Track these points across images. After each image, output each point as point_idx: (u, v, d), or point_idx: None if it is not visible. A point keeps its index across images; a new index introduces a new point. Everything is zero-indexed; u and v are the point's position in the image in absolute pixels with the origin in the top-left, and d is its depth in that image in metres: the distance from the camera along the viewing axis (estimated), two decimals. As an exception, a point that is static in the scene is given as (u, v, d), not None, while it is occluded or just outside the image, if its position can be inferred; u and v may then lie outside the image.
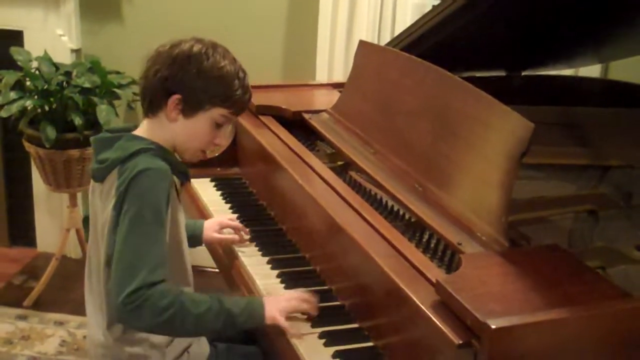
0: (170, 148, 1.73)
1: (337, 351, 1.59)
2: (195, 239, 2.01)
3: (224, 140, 1.79)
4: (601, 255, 1.71)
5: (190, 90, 1.69)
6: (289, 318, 1.66)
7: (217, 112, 1.72)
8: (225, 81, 1.71)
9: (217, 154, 2.48)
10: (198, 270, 1.83)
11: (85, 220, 1.89)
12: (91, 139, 1.79)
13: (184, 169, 1.76)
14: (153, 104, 1.71)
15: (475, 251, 1.58)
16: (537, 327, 1.29)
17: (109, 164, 1.66)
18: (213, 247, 2.11)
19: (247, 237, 2.05)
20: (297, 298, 1.70)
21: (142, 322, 1.57)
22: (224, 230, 2.06)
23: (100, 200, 1.70)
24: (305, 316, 1.69)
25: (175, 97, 1.68)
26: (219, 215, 2.19)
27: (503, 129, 1.67)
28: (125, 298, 1.53)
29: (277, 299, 1.70)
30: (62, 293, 3.37)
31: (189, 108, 1.70)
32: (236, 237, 2.04)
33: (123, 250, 1.57)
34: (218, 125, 1.74)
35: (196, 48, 1.70)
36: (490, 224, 1.62)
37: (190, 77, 1.68)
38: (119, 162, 1.65)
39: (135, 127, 1.76)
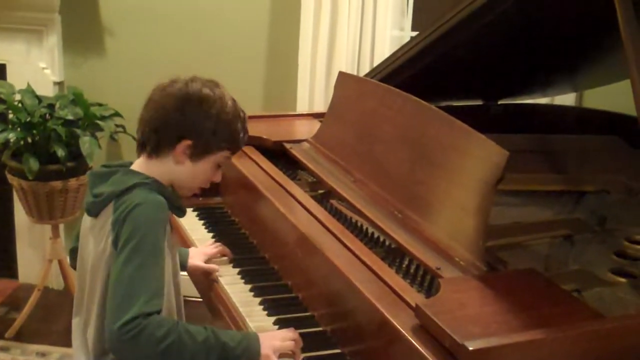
0: (167, 184, 1.73)
1: (319, 376, 1.62)
2: (180, 267, 2.02)
3: (220, 177, 1.80)
4: (577, 279, 1.74)
5: (200, 136, 1.69)
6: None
7: (222, 155, 1.75)
8: (232, 125, 1.73)
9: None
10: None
11: (72, 251, 1.88)
12: (87, 173, 1.79)
13: (179, 204, 1.76)
14: (160, 146, 1.70)
15: (454, 275, 1.62)
16: (514, 348, 1.32)
17: (105, 198, 1.66)
18: (196, 275, 2.13)
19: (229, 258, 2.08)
20: (292, 339, 1.69)
21: (138, 351, 1.53)
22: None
23: (93, 235, 1.70)
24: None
25: (185, 143, 1.69)
26: (201, 244, 2.21)
27: (478, 156, 1.71)
28: (122, 327, 1.50)
29: (273, 336, 1.69)
30: (44, 324, 3.36)
31: (198, 153, 1.71)
32: (220, 266, 2.06)
33: (119, 280, 1.56)
34: (219, 166, 1.77)
35: (205, 91, 1.70)
36: (468, 249, 1.66)
37: (200, 122, 1.68)
38: (115, 196, 1.65)
39: (131, 163, 1.76)
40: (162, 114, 1.69)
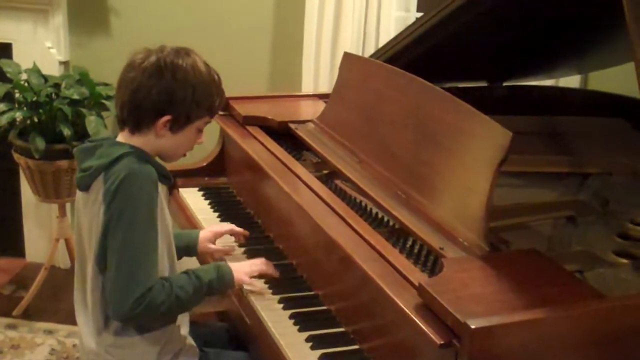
0: (153, 154, 1.75)
1: (323, 354, 1.63)
2: (190, 250, 2.03)
3: (203, 138, 1.81)
4: (579, 259, 1.76)
5: (179, 109, 1.71)
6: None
7: (202, 121, 1.76)
8: (208, 91, 1.74)
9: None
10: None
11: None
12: (74, 150, 1.81)
13: (166, 173, 1.77)
14: (140, 123, 1.72)
15: (457, 255, 1.63)
16: (516, 327, 1.34)
17: (93, 171, 1.68)
18: (204, 257, 2.14)
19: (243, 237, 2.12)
20: (260, 263, 1.90)
21: (144, 319, 1.70)
22: (217, 240, 2.09)
23: (86, 209, 1.72)
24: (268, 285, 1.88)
25: (166, 118, 1.70)
26: (208, 224, 2.22)
27: (482, 137, 1.72)
28: (130, 307, 1.61)
29: (242, 264, 1.90)
30: (51, 302, 3.39)
31: (178, 125, 1.73)
32: (232, 247, 2.08)
33: (121, 260, 1.61)
34: (200, 130, 1.78)
35: (177, 61, 1.70)
36: (471, 229, 1.67)
37: (178, 95, 1.69)
38: (103, 168, 1.67)
39: (115, 137, 1.77)
40: (137, 92, 1.69)
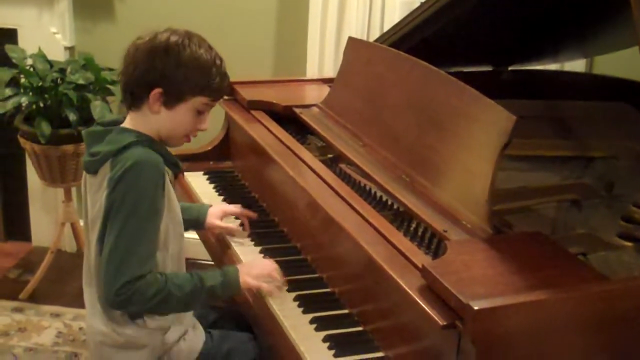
0: (156, 137, 1.76)
1: (327, 335, 1.65)
2: (198, 223, 2.07)
3: (206, 124, 1.81)
4: (583, 242, 1.77)
5: (170, 83, 1.71)
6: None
7: (198, 101, 1.75)
8: (203, 70, 1.74)
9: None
10: (190, 263, 1.89)
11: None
12: (83, 132, 1.82)
13: (174, 160, 1.80)
14: (135, 98, 1.74)
15: (460, 238, 1.64)
16: (518, 308, 1.35)
17: (102, 157, 1.70)
18: (207, 237, 2.16)
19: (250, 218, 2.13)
20: (269, 268, 1.82)
21: (134, 308, 1.69)
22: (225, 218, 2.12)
23: (92, 192, 1.74)
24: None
25: (157, 91, 1.71)
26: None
27: (486, 121, 1.73)
28: (116, 291, 1.62)
29: (250, 265, 1.85)
30: (57, 286, 3.41)
31: (171, 100, 1.73)
32: (238, 227, 2.09)
33: (116, 244, 1.63)
34: (199, 112, 1.78)
35: (173, 39, 1.72)
36: (474, 212, 1.68)
37: (169, 69, 1.70)
38: (112, 155, 1.68)
39: (124, 119, 1.79)
40: (133, 68, 1.72)
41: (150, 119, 1.74)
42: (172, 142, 1.81)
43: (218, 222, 2.08)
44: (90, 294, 1.81)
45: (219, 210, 2.10)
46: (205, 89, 1.75)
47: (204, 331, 1.89)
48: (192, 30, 1.78)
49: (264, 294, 1.79)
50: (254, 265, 1.85)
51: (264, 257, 1.96)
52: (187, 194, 2.38)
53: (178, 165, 1.82)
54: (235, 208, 2.14)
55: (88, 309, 1.82)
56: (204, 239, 2.20)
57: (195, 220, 2.05)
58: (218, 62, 1.77)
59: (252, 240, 2.06)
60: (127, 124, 1.77)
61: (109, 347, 1.78)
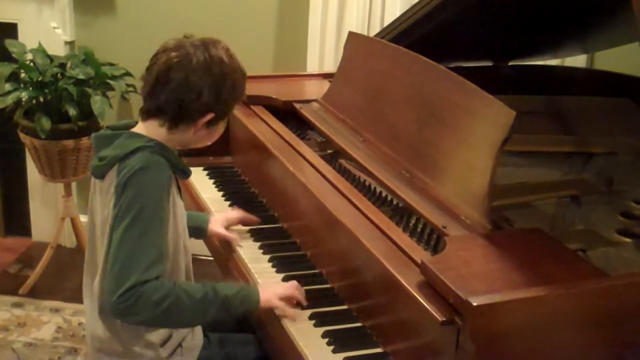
0: (174, 147, 1.74)
1: (326, 331, 1.65)
2: (200, 231, 2.04)
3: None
4: (582, 238, 1.76)
5: (224, 108, 1.73)
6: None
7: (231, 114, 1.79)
8: (243, 84, 1.76)
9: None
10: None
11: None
12: (92, 135, 1.80)
13: (183, 167, 1.76)
14: (182, 120, 1.69)
15: (460, 234, 1.64)
16: (518, 304, 1.35)
17: (108, 162, 1.67)
18: (213, 241, 2.15)
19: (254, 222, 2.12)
20: (292, 287, 1.76)
21: (138, 317, 1.60)
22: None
23: (100, 197, 1.72)
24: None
25: (210, 116, 1.70)
26: (213, 203, 2.24)
27: (486, 116, 1.72)
28: (119, 297, 1.56)
29: (274, 285, 1.78)
30: (57, 281, 3.41)
31: (216, 121, 1.74)
32: (237, 237, 2.06)
33: (120, 248, 1.59)
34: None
35: (225, 61, 1.69)
36: (474, 208, 1.68)
37: (226, 95, 1.70)
38: (118, 159, 1.66)
39: (136, 123, 1.75)
40: (189, 90, 1.66)
41: (183, 137, 1.73)
42: (196, 147, 1.82)
43: (221, 231, 2.05)
44: (90, 298, 1.77)
45: (222, 218, 2.07)
46: (238, 102, 1.78)
47: (202, 335, 1.85)
48: (214, 37, 1.75)
49: (283, 315, 1.71)
50: (278, 285, 1.79)
51: (272, 267, 1.93)
52: (187, 189, 2.38)
53: (187, 172, 1.79)
54: (238, 214, 2.11)
55: (87, 313, 1.79)
56: (208, 242, 2.19)
57: (196, 229, 2.01)
58: (245, 72, 1.77)
59: (251, 236, 2.06)
60: (140, 128, 1.73)
61: (107, 355, 1.75)
